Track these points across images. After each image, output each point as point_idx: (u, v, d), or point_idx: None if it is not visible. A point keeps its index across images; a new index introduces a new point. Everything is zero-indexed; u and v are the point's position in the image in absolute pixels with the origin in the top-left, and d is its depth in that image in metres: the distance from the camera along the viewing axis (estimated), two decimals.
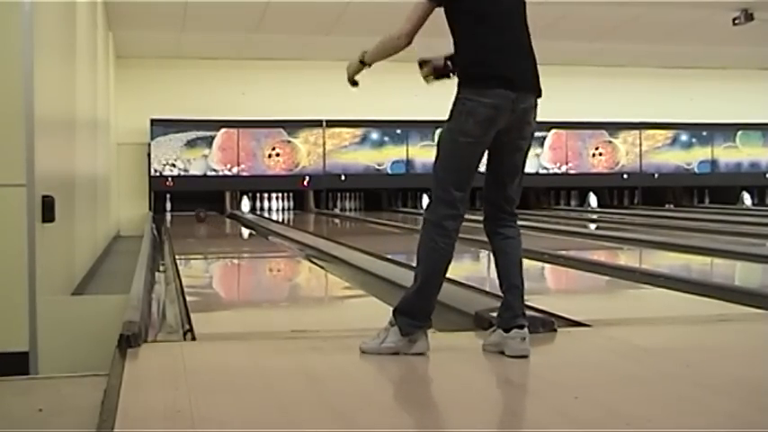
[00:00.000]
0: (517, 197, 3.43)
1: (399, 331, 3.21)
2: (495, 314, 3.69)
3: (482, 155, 3.28)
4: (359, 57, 3.46)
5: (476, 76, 3.20)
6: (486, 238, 3.45)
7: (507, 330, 3.18)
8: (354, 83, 3.55)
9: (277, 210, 14.66)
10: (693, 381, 2.90)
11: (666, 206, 15.45)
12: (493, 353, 3.24)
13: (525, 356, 3.14)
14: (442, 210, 3.23)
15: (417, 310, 3.23)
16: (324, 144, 14.28)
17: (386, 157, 14.43)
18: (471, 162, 3.25)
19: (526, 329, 3.20)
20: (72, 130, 6.26)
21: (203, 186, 14.05)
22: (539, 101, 3.29)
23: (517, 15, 3.31)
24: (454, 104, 3.24)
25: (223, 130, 14.02)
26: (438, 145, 3.32)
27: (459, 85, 3.27)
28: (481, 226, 3.42)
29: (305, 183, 14.27)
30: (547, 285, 6.21)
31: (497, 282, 3.33)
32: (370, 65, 3.46)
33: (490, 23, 3.21)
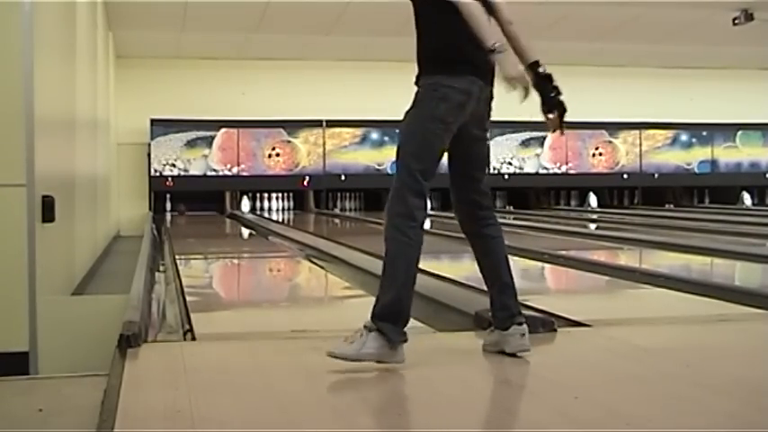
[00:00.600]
0: (488, 191, 3.32)
1: (383, 338, 2.98)
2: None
3: (447, 145, 3.18)
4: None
5: (448, 61, 3.14)
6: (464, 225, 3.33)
7: (506, 329, 3.15)
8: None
9: (277, 210, 14.67)
10: (693, 381, 2.90)
11: (666, 206, 15.46)
12: (492, 353, 3.23)
13: (526, 351, 3.11)
14: (412, 200, 3.05)
15: (398, 314, 3.03)
16: (324, 144, 14.29)
17: (386, 157, 14.42)
18: (440, 150, 3.14)
19: (525, 325, 3.16)
20: (72, 130, 6.26)
21: (203, 186, 14.05)
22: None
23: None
24: (422, 91, 3.16)
25: (223, 130, 14.02)
26: (403, 133, 3.17)
27: (427, 71, 3.18)
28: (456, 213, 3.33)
29: (305, 183, 14.28)
30: (547, 285, 6.22)
31: (484, 283, 3.26)
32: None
33: (458, 11, 3.11)
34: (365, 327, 3.02)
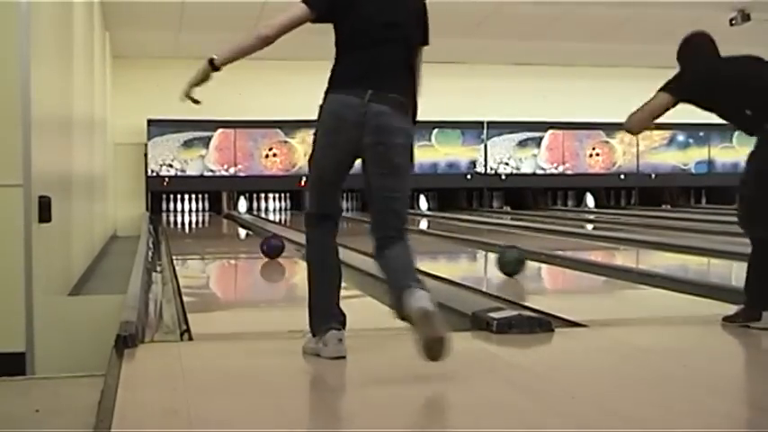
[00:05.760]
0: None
1: (311, 332, 3.19)
2: (492, 315, 3.70)
3: None
4: (206, 60, 3.37)
5: None
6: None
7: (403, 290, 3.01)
8: (195, 101, 3.45)
9: (274, 210, 14.66)
10: (690, 381, 2.91)
11: (663, 206, 15.46)
12: (490, 354, 3.23)
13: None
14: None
15: (318, 309, 3.19)
16: None
17: None
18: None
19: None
20: (69, 130, 6.26)
21: (200, 187, 14.04)
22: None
23: None
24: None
25: (220, 130, 14.01)
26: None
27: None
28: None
29: (302, 183, 14.27)
30: (544, 286, 6.22)
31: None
32: (220, 68, 3.37)
33: None
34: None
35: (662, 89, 3.94)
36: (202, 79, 3.34)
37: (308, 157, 3.31)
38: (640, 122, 3.96)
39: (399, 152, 3.15)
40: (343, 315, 3.19)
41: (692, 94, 3.90)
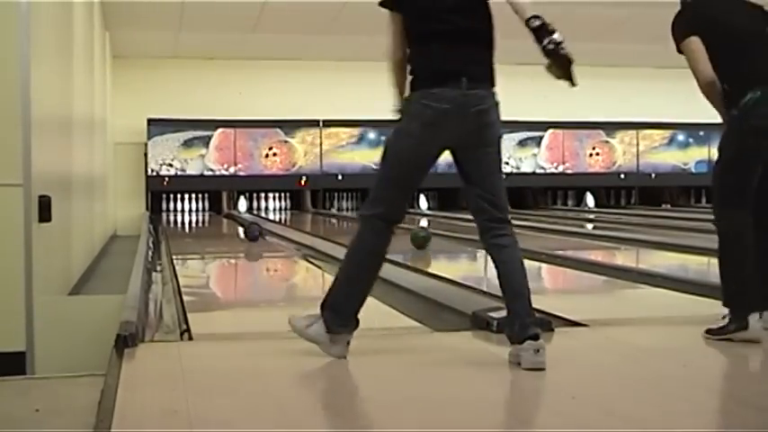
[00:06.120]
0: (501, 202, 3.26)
1: (324, 325, 3.15)
2: (492, 314, 3.69)
3: None
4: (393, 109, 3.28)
5: None
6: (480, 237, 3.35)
7: (520, 342, 3.02)
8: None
9: (274, 210, 14.66)
10: (690, 381, 2.90)
11: (663, 206, 15.46)
12: (490, 354, 3.23)
13: (540, 368, 2.95)
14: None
15: (343, 308, 3.16)
16: (321, 144, 14.28)
17: None
18: None
19: (541, 340, 3.00)
20: (69, 129, 6.26)
21: (200, 186, 14.05)
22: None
23: None
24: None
25: (220, 129, 14.01)
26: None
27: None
28: (475, 225, 3.34)
29: (302, 182, 14.28)
30: (544, 285, 6.21)
31: (500, 290, 3.17)
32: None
33: None
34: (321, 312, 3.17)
35: (677, 38, 3.76)
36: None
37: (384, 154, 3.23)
38: (706, 84, 3.60)
39: None
40: (358, 322, 3.20)
41: (698, 27, 3.67)
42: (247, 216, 13.64)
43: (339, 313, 3.15)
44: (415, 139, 3.13)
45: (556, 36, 3.08)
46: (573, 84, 3.10)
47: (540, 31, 3.10)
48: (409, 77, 3.18)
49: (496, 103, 3.17)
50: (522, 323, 3.02)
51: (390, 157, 3.18)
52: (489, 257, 3.24)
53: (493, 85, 3.18)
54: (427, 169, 3.21)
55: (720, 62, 3.56)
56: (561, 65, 3.09)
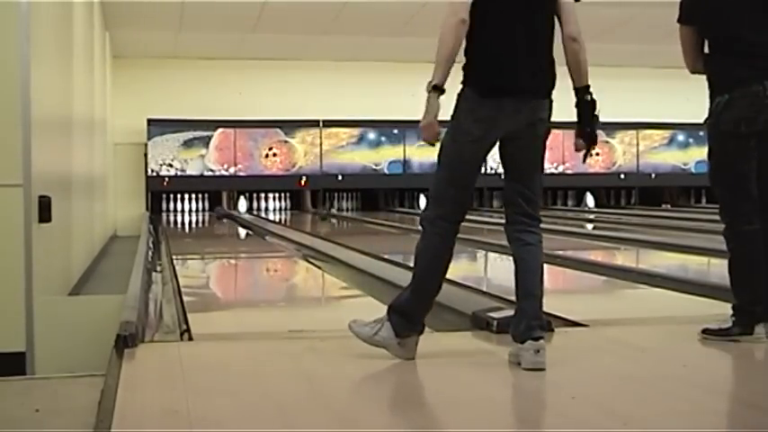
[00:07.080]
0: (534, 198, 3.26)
1: (392, 329, 3.14)
2: (492, 314, 3.70)
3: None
4: (428, 89, 3.14)
5: None
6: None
7: (522, 341, 3.02)
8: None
9: (274, 210, 14.67)
10: (690, 381, 2.90)
11: (663, 206, 15.46)
12: (490, 354, 3.23)
13: (540, 369, 2.95)
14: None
15: (411, 312, 3.15)
16: (321, 144, 14.28)
17: (383, 157, 14.42)
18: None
19: (542, 341, 3.01)
20: (69, 130, 6.26)
21: (200, 186, 14.05)
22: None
23: None
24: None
25: (220, 130, 14.01)
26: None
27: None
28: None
29: (302, 183, 14.28)
30: (544, 285, 6.21)
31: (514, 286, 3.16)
32: (442, 88, 3.15)
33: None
34: (387, 315, 3.16)
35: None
36: (437, 111, 3.19)
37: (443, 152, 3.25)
38: (688, 65, 3.86)
39: None
40: (424, 325, 3.22)
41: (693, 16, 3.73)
42: (247, 216, 13.65)
43: (407, 317, 3.14)
44: (471, 136, 3.16)
45: (597, 117, 3.35)
46: (584, 160, 3.41)
47: (589, 107, 3.42)
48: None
49: (551, 100, 3.33)
50: (528, 324, 3.02)
51: (448, 156, 3.22)
52: (511, 252, 3.22)
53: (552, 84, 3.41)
54: (483, 164, 3.25)
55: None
56: (589, 145, 3.39)
